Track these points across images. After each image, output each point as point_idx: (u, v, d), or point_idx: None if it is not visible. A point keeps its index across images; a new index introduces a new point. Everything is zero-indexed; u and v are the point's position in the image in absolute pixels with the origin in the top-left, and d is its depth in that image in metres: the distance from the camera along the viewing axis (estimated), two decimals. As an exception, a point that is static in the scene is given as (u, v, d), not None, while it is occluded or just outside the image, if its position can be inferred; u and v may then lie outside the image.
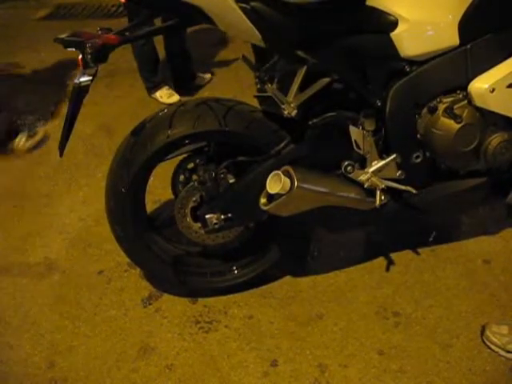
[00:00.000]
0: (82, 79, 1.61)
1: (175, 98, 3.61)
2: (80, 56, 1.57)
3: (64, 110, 1.67)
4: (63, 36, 1.58)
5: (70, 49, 1.59)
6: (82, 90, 1.62)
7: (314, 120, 1.77)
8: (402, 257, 2.24)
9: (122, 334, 2.02)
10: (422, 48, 1.67)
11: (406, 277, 2.15)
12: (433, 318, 1.98)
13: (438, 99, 1.72)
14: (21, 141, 3.20)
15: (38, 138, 3.25)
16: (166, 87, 3.66)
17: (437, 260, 2.22)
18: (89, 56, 1.55)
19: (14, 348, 1.99)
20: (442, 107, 1.71)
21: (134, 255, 2.05)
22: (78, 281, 2.27)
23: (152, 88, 3.67)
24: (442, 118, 1.71)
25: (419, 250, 2.26)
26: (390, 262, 2.22)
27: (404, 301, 2.06)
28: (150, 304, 2.13)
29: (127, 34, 1.68)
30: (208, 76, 3.88)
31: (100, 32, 1.63)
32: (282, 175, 1.71)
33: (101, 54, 1.56)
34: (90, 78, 1.61)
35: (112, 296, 2.19)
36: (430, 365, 1.82)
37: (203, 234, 1.96)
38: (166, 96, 3.62)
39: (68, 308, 2.14)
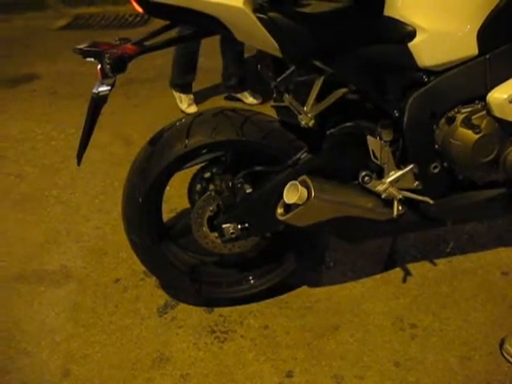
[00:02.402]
0: (101, 89, 1.63)
1: (193, 108, 3.59)
2: (99, 66, 1.59)
3: (82, 119, 1.69)
4: (82, 46, 1.61)
5: (88, 59, 1.60)
6: (101, 100, 1.64)
7: (332, 130, 1.77)
8: (418, 268, 2.23)
9: (137, 342, 2.02)
10: (440, 58, 1.66)
11: (422, 288, 2.13)
12: (450, 330, 1.96)
13: (457, 109, 1.71)
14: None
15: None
16: (191, 95, 3.64)
17: (454, 271, 2.20)
18: (107, 66, 1.56)
19: (30, 355, 2.00)
20: (460, 117, 1.70)
21: (150, 264, 2.05)
22: (95, 289, 2.28)
23: (178, 85, 3.61)
24: (460, 129, 1.70)
25: (436, 261, 2.24)
26: (407, 273, 2.20)
27: (421, 312, 2.04)
28: (165, 313, 2.13)
29: (145, 43, 1.69)
30: (255, 101, 3.68)
31: (118, 42, 1.65)
32: (300, 185, 1.70)
33: (119, 64, 1.57)
34: (109, 87, 1.63)
35: (128, 305, 2.19)
36: (447, 378, 1.80)
37: (220, 243, 1.96)
38: (186, 103, 3.60)
39: (84, 316, 2.15)
